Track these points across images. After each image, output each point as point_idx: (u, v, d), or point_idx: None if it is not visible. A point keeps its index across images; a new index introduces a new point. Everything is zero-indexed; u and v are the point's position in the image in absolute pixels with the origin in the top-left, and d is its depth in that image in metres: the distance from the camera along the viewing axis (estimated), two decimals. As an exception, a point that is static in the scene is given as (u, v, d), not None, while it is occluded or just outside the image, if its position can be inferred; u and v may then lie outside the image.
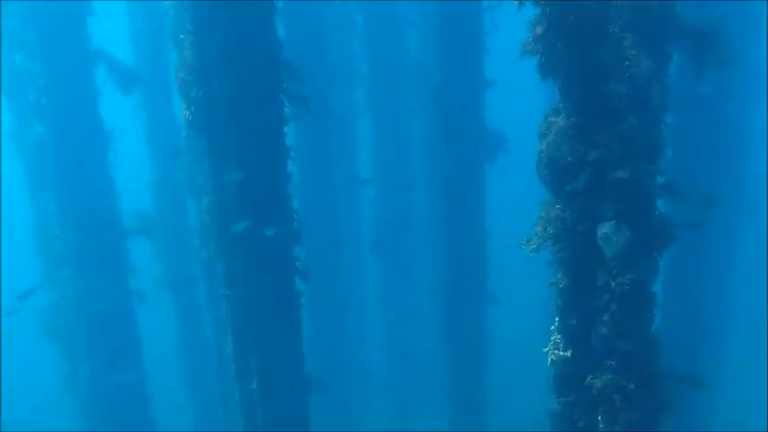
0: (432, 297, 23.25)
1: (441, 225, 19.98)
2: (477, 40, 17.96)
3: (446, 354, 20.56)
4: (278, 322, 12.44)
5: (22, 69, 16.17)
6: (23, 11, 15.18)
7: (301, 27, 20.86)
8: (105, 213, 16.52)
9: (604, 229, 7.99)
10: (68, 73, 15.46)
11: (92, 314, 16.65)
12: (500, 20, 18.92)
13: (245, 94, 11.45)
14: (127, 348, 17.30)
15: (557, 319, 8.66)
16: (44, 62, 15.24)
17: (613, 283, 8.00)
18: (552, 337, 8.60)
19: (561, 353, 8.46)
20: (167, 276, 21.23)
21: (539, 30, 7.98)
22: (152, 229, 17.55)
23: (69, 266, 16.66)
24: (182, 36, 11.73)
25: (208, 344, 20.75)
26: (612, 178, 7.96)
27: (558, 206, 8.41)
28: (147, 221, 17.42)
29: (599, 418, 8.14)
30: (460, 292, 19.63)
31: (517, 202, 34.43)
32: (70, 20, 15.35)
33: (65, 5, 15.13)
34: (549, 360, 8.55)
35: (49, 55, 15.24)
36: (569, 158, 8.09)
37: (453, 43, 17.61)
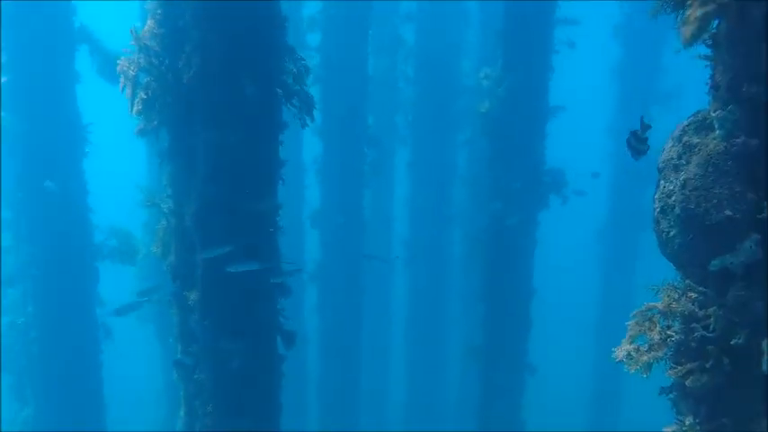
0: (462, 360, 19.31)
1: (480, 277, 16.09)
2: (543, 58, 14.26)
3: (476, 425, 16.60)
4: (251, 399, 8.75)
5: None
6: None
7: (339, 37, 17.49)
8: (72, 226, 13.01)
9: (784, 348, 4.12)
10: (38, 49, 12.12)
11: (43, 347, 13.12)
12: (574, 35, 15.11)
13: (225, 80, 7.89)
14: (83, 392, 13.66)
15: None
16: (6, 32, 11.92)
17: (792, 450, 4.12)
18: None
19: None
20: (153, 308, 17.54)
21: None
22: (129, 252, 13.90)
23: (20, 287, 13.20)
24: (147, -3, 8.20)
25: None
26: (802, 255, 4.13)
27: (693, 295, 4.54)
28: (126, 242, 13.80)
29: None
30: (496, 358, 15.74)
31: (569, 257, 30.47)
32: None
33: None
34: None
35: (15, 25, 11.92)
36: (727, 212, 4.26)
37: (515, 59, 13.90)
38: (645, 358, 4.43)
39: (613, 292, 21.70)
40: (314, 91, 17.74)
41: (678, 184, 4.48)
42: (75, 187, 13.18)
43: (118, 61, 7.81)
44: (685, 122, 4.67)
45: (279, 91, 8.42)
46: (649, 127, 5.60)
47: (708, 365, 4.45)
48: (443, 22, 20.39)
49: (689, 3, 3.96)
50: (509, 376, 15.86)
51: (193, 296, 8.37)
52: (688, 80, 22.21)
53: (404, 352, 21.60)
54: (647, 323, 4.68)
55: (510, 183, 14.43)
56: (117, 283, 15.37)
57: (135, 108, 7.69)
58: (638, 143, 5.64)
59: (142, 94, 7.65)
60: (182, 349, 8.92)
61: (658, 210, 4.67)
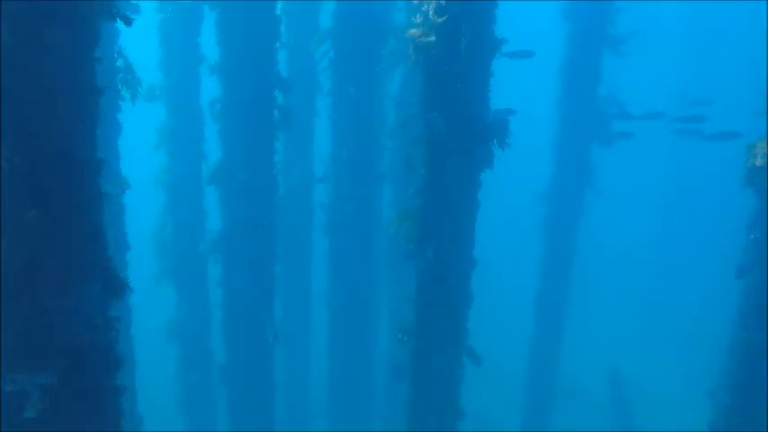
0: (391, 345, 16.24)
1: (412, 246, 12.83)
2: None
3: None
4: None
5: None
6: None
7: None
8: None
9: None
10: None
11: None
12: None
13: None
14: None
15: None
16: None
17: None
18: None
19: None
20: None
21: None
22: None
23: None
24: None
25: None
26: None
27: None
28: None
29: None
30: (430, 340, 12.70)
31: (511, 215, 27.58)
32: None
33: None
34: None
35: None
36: None
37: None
38: None
39: (555, 262, 18.96)
40: (210, 17, 14.05)
41: None
42: None
43: None
44: None
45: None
46: None
47: None
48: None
49: None
50: (445, 361, 12.89)
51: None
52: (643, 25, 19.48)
53: (326, 333, 18.26)
54: None
55: (447, 132, 11.18)
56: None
57: None
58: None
59: None
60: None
61: None
